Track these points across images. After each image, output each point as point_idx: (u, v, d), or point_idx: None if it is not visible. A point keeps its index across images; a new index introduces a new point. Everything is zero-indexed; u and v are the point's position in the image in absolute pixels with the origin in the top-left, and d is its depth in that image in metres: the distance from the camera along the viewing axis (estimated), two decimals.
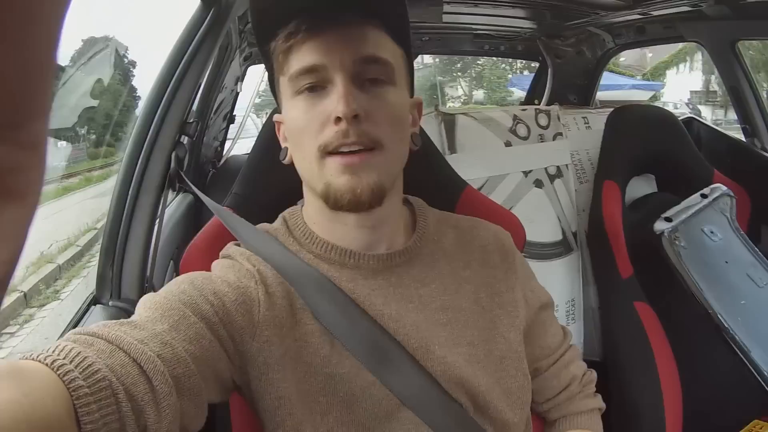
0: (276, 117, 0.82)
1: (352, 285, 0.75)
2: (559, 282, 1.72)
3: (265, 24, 0.74)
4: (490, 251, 0.85)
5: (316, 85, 0.71)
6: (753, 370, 1.39)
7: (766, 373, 1.37)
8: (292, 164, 0.78)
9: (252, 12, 0.75)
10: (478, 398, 0.75)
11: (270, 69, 0.78)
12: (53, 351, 0.47)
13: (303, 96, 0.71)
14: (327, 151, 0.69)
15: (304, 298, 0.73)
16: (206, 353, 0.61)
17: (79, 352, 0.47)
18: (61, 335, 0.89)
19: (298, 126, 0.72)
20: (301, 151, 0.73)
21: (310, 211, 0.80)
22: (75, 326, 0.90)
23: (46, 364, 0.44)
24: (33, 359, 0.45)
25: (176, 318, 0.61)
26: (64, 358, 0.46)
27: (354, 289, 0.75)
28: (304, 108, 0.71)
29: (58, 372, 0.44)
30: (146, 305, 0.63)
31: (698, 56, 15.28)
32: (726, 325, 1.42)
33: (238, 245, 0.80)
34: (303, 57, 0.70)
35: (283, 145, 0.81)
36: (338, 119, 0.67)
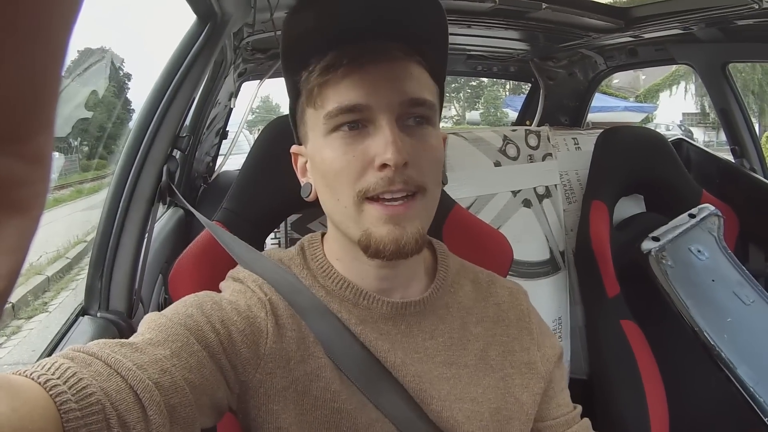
0: (295, 149, 0.78)
1: (360, 327, 0.72)
2: (547, 301, 1.73)
3: (298, 52, 0.69)
4: (505, 309, 0.81)
5: (356, 123, 0.66)
6: (739, 387, 1.39)
7: (752, 390, 1.37)
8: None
9: (285, 38, 0.69)
10: None
11: (294, 97, 0.74)
12: (47, 369, 0.45)
13: (340, 134, 0.67)
14: (367, 197, 0.65)
15: (315, 332, 0.70)
16: (206, 382, 0.59)
17: (74, 373, 0.46)
18: (48, 347, 0.91)
19: (334, 168, 0.67)
20: (336, 193, 0.68)
21: (334, 247, 0.76)
22: (62, 337, 0.91)
23: (39, 383, 0.43)
24: (25, 375, 0.44)
25: (179, 344, 0.58)
26: (57, 378, 0.44)
27: (362, 332, 0.72)
28: (342, 148, 0.66)
29: (51, 392, 0.43)
30: (150, 325, 0.60)
31: (691, 78, 15.47)
32: (712, 343, 1.43)
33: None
34: (344, 93, 0.66)
35: (303, 180, 0.77)
36: (383, 166, 0.64)
